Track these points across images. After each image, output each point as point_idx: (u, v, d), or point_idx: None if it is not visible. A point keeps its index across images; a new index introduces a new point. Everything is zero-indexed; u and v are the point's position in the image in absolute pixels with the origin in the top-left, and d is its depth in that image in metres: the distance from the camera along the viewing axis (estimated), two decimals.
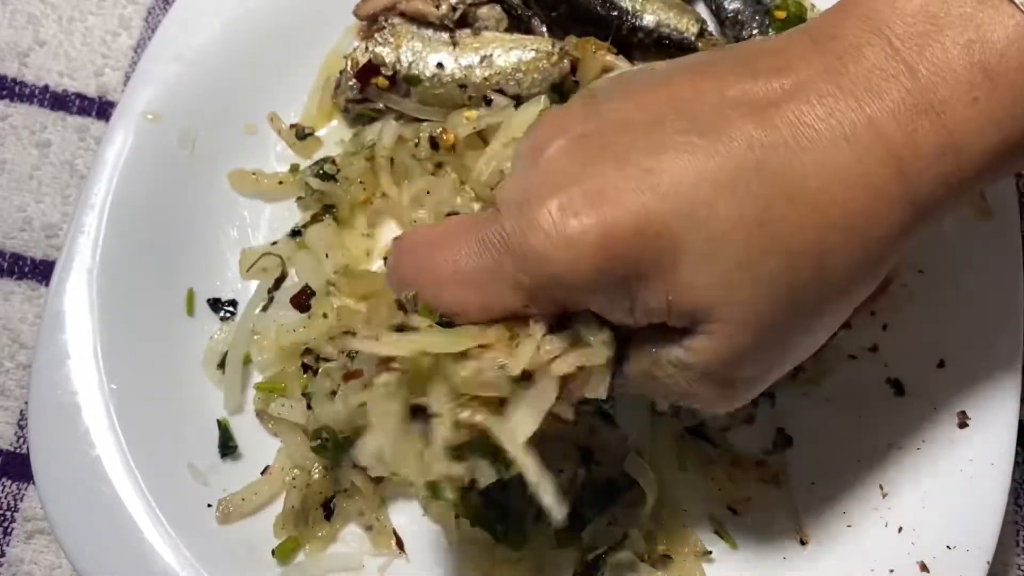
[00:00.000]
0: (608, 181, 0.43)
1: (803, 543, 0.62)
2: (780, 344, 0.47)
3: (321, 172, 0.68)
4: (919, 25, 0.44)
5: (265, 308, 0.67)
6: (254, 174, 0.70)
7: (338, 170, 0.68)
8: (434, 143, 0.68)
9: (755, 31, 0.69)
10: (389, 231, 0.70)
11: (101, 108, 0.77)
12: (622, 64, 0.69)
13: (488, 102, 0.69)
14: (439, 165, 0.68)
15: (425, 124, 0.69)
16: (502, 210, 0.46)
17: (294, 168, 0.70)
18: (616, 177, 0.43)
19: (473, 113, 0.68)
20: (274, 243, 0.68)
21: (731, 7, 0.70)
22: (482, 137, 0.68)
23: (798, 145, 0.43)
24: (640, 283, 0.44)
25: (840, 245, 0.43)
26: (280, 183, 0.70)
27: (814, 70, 0.44)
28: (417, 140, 0.68)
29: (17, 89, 0.77)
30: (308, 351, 0.65)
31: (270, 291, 0.67)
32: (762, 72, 0.45)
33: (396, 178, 0.68)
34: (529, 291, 0.45)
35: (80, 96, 0.77)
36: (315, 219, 0.68)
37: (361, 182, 0.68)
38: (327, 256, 0.67)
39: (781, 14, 0.69)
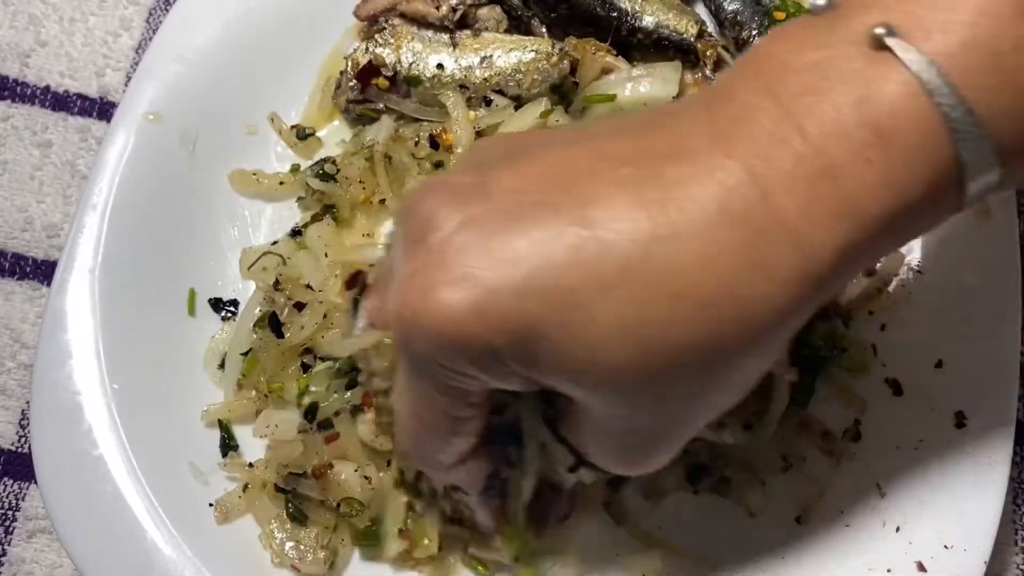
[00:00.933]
0: (490, 271, 0.41)
1: (801, 542, 0.62)
2: (671, 429, 0.48)
3: (321, 172, 0.68)
4: (810, 81, 0.41)
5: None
6: (254, 174, 0.70)
7: (338, 170, 0.68)
8: (434, 142, 0.68)
9: (755, 32, 0.69)
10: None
11: (102, 109, 0.77)
12: (622, 65, 0.69)
13: (488, 103, 0.69)
14: (438, 165, 0.68)
15: (425, 123, 0.69)
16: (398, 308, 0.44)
17: (294, 168, 0.70)
18: (497, 269, 0.41)
19: (473, 114, 0.68)
20: (274, 243, 0.68)
21: (731, 8, 0.70)
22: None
23: (688, 231, 0.40)
24: (514, 364, 0.43)
25: (733, 336, 0.42)
26: (281, 183, 0.70)
27: (705, 141, 0.42)
28: (417, 139, 0.68)
29: (19, 90, 0.77)
30: (307, 351, 0.65)
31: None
32: (653, 147, 0.43)
33: (394, 176, 0.68)
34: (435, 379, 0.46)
35: (81, 97, 0.77)
36: (315, 219, 0.68)
37: (361, 182, 0.68)
38: (326, 255, 0.67)
39: (781, 15, 0.69)
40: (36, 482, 0.62)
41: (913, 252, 0.66)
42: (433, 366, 0.44)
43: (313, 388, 0.64)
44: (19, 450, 0.71)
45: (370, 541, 0.62)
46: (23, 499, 0.70)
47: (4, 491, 0.70)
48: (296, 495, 0.61)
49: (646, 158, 0.43)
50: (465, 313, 0.41)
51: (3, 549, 0.69)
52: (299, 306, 0.64)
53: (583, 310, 0.41)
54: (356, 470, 0.61)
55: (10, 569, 0.69)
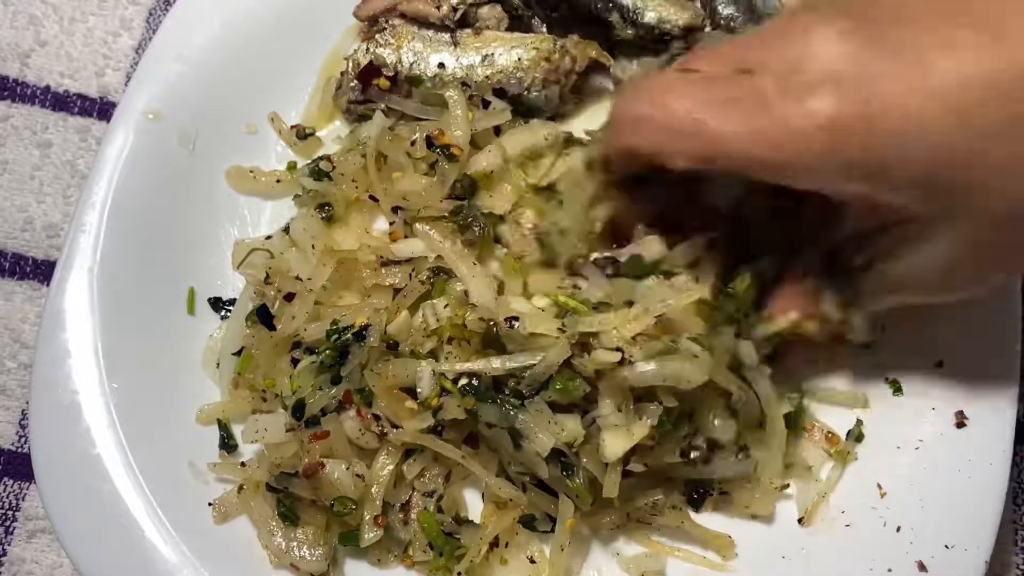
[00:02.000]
0: (882, 72, 0.44)
1: (802, 543, 0.62)
2: None
3: (316, 170, 0.68)
4: None
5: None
6: (251, 171, 0.70)
7: (333, 167, 0.68)
8: (430, 142, 0.68)
9: None
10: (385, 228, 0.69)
11: (102, 108, 0.77)
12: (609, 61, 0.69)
13: (486, 105, 0.69)
14: (433, 164, 0.68)
15: (423, 123, 0.69)
16: (760, 70, 0.47)
17: (291, 166, 0.70)
18: (891, 70, 0.44)
19: (470, 114, 0.68)
20: (268, 237, 0.68)
21: (725, 12, 0.70)
22: (475, 143, 0.68)
23: None
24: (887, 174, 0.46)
25: None
26: (278, 181, 0.70)
27: None
28: (414, 140, 0.68)
29: (19, 90, 0.77)
30: (297, 345, 0.65)
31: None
32: None
33: (388, 173, 0.68)
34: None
35: (81, 96, 0.77)
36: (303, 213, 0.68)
37: (354, 180, 0.68)
38: (312, 247, 0.66)
39: None
40: (36, 482, 0.62)
41: None
42: (787, 157, 0.47)
43: (299, 384, 0.64)
44: (19, 450, 0.71)
45: (349, 532, 0.62)
46: (23, 499, 0.70)
47: (4, 491, 0.70)
48: (288, 495, 0.61)
49: None
50: (860, 124, 0.45)
51: (4, 549, 0.69)
52: (289, 297, 0.64)
53: (978, 109, 0.44)
54: (347, 468, 0.61)
55: (10, 569, 0.69)
